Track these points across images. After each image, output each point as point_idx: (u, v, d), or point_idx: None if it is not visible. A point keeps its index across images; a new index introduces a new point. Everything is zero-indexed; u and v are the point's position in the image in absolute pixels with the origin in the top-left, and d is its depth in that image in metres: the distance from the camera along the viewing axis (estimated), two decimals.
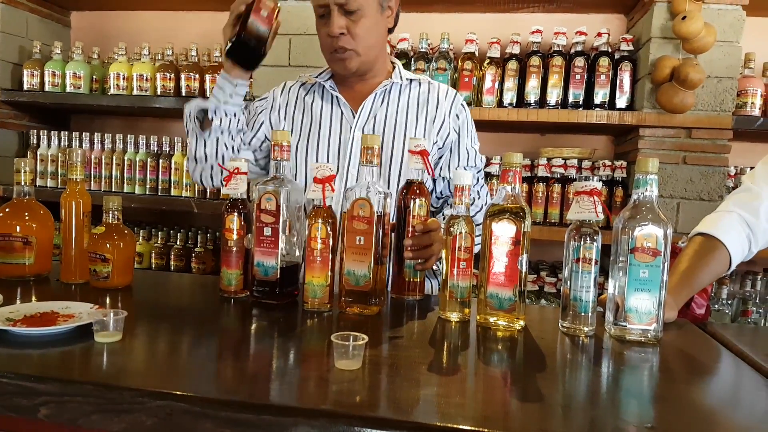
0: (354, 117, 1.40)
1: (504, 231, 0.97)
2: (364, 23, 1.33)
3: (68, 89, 2.45)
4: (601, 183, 0.95)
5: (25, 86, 2.49)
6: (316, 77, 1.45)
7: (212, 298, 1.13)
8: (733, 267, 1.29)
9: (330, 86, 1.43)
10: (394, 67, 1.46)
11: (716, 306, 1.96)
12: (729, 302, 1.98)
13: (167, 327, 0.94)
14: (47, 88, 2.46)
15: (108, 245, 1.12)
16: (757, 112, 2.03)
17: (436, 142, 1.40)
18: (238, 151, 1.42)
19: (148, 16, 2.75)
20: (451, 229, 1.02)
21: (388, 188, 1.35)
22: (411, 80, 1.45)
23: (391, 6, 1.40)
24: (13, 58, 2.54)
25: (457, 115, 1.43)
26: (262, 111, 1.47)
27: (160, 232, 2.42)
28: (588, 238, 0.96)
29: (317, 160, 1.38)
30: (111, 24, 2.79)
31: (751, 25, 2.01)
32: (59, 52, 2.50)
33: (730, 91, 1.97)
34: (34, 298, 1.07)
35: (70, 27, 2.83)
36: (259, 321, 1.00)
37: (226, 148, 1.39)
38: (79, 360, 0.77)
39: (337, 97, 1.42)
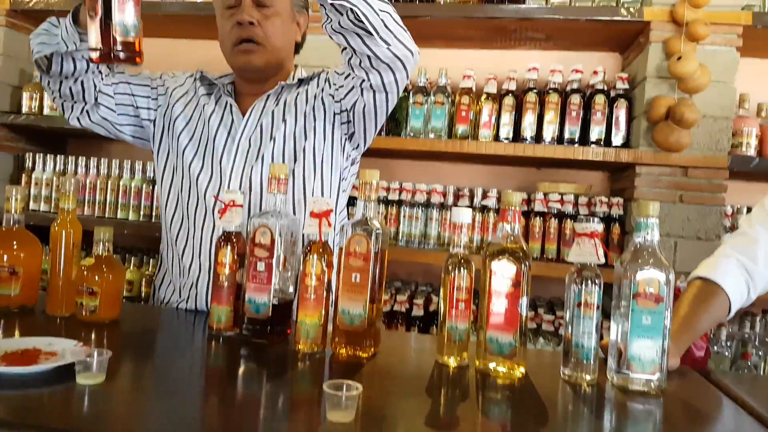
0: (241, 124, 1.35)
1: (503, 272, 0.95)
2: (276, 21, 1.31)
3: None
4: (601, 225, 0.94)
5: (24, 109, 2.47)
6: (218, 79, 1.42)
7: (200, 336, 1.10)
8: (733, 313, 1.27)
9: (226, 90, 1.39)
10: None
11: (715, 348, 1.93)
12: (728, 344, 1.95)
13: (152, 367, 0.90)
14: (46, 111, 2.45)
15: (96, 278, 1.09)
16: (752, 152, 2.04)
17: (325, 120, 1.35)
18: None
19: (148, 42, 2.74)
20: (450, 268, 0.99)
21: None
22: (301, 80, 1.40)
23: (300, 22, 1.40)
24: (14, 81, 2.54)
25: (326, 80, 1.39)
26: (164, 85, 1.44)
27: (151, 260, 2.38)
28: (589, 282, 0.94)
29: (202, 165, 1.34)
30: None
31: (745, 66, 2.03)
32: None
33: (725, 131, 1.98)
34: (17, 332, 1.04)
35: None
36: (248, 362, 0.97)
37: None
38: (59, 403, 0.73)
39: (230, 104, 1.38)
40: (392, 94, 1.27)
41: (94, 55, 1.07)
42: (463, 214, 1.02)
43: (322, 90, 1.37)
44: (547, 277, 2.05)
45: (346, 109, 1.33)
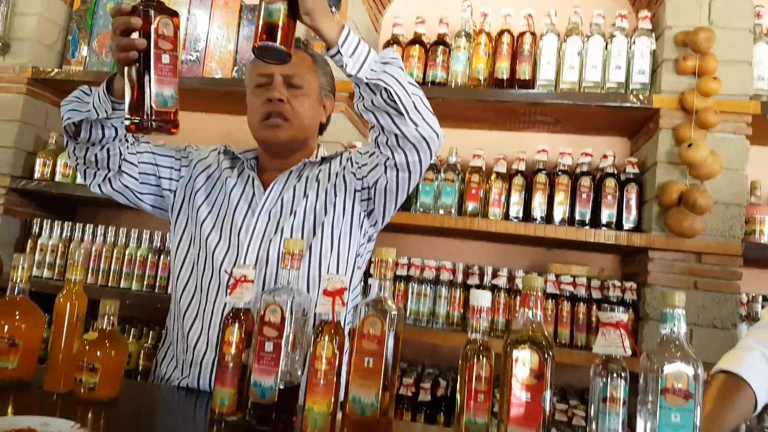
0: (262, 197, 1.36)
1: (525, 362, 0.91)
2: (304, 102, 1.37)
3: (78, 180, 2.45)
4: (626, 316, 0.90)
5: (36, 175, 2.49)
6: (242, 153, 1.44)
7: (201, 420, 1.05)
8: (759, 408, 1.22)
9: (250, 164, 1.41)
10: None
11: None
12: None
13: None
14: (57, 178, 2.47)
15: (98, 353, 1.05)
16: (766, 239, 2.02)
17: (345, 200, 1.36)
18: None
19: None
20: (468, 355, 0.95)
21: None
22: (324, 158, 1.43)
23: (326, 105, 1.46)
24: (28, 147, 2.57)
25: (349, 158, 1.41)
26: (188, 157, 1.46)
27: (151, 332, 2.32)
28: (615, 375, 0.90)
29: (220, 238, 1.34)
30: None
31: (755, 154, 2.05)
32: None
33: (738, 218, 1.96)
34: (10, 410, 0.99)
35: None
36: None
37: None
38: None
39: (253, 177, 1.40)
40: (415, 174, 1.29)
41: (130, 123, 1.08)
42: (482, 297, 0.98)
43: (344, 168, 1.40)
44: (560, 363, 1.97)
45: (368, 186, 1.35)
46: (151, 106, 1.06)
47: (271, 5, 1.07)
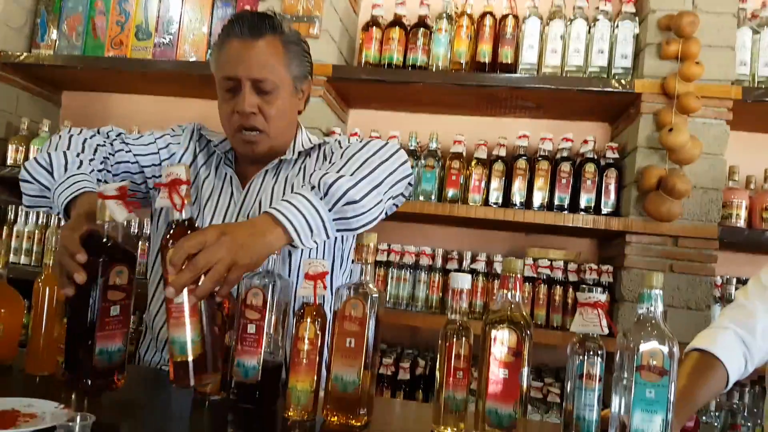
0: (239, 198, 1.31)
1: (503, 341, 0.92)
2: (278, 104, 1.24)
3: None
4: (604, 296, 0.94)
5: (9, 161, 2.44)
6: (216, 145, 1.35)
7: (187, 399, 1.05)
8: (730, 385, 1.26)
9: (226, 161, 1.34)
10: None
11: (704, 418, 1.89)
12: (717, 414, 1.92)
13: None
14: None
15: None
16: (742, 223, 2.06)
17: None
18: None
19: (139, 99, 2.76)
20: (448, 335, 0.97)
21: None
22: (300, 152, 1.35)
23: (303, 89, 1.34)
24: (0, 134, 2.52)
25: (326, 156, 1.35)
26: (170, 150, 1.36)
27: (132, 316, 2.30)
28: (592, 353, 0.92)
29: None
30: (102, 105, 2.79)
31: (734, 139, 2.07)
32: (47, 129, 2.47)
33: (715, 202, 2.00)
34: None
35: (60, 106, 2.83)
36: (235, 429, 0.92)
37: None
38: None
39: (230, 176, 1.33)
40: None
41: (64, 378, 0.98)
42: (462, 280, 1.00)
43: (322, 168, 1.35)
44: (536, 343, 1.99)
45: None
46: (91, 365, 0.94)
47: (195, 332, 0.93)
